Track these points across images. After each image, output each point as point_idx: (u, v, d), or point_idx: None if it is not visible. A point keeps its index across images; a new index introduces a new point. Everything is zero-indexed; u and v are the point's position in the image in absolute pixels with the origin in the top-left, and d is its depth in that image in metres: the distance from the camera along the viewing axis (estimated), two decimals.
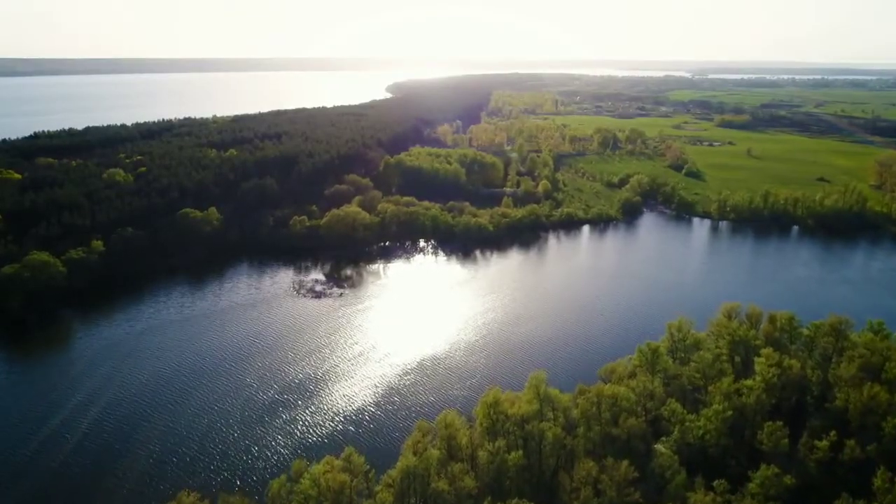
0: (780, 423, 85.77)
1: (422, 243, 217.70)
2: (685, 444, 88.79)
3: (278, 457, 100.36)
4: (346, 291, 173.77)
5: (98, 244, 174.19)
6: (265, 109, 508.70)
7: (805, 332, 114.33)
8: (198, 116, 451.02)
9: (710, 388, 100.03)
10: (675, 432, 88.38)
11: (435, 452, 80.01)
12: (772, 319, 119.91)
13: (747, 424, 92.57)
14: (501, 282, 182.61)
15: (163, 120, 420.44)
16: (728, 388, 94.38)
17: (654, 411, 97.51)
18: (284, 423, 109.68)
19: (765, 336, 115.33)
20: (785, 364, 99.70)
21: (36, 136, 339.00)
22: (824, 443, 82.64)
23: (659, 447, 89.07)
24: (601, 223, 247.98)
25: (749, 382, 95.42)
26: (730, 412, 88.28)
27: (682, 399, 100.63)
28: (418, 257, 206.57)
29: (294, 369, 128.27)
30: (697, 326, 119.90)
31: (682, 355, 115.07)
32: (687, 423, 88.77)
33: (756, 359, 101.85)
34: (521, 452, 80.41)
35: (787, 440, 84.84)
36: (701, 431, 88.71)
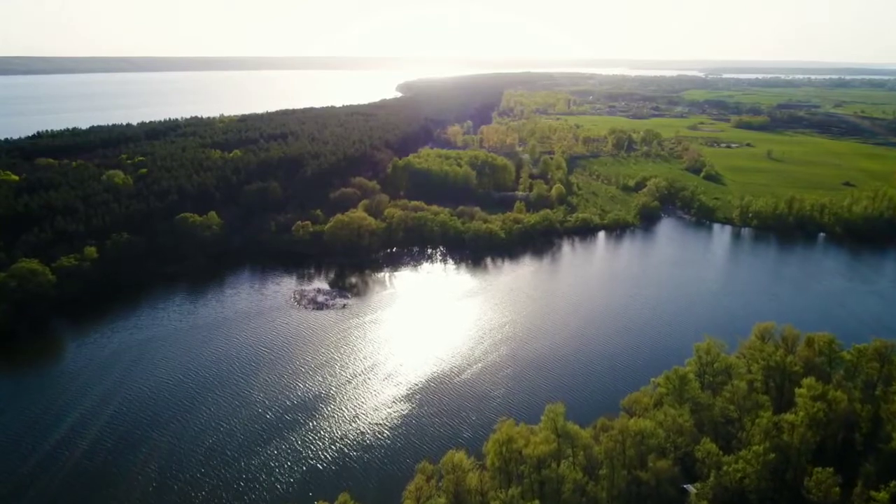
0: (829, 470, 76.07)
1: (430, 250, 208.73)
2: (721, 487, 79.33)
3: (284, 485, 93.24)
4: (350, 302, 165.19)
5: (91, 251, 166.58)
6: (275, 108, 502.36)
7: (846, 356, 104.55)
8: (205, 116, 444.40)
9: (746, 422, 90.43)
10: (711, 477, 78.77)
11: (441, 501, 70.99)
12: (809, 342, 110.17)
13: (790, 466, 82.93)
14: (513, 293, 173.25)
15: (169, 119, 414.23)
16: (767, 425, 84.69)
17: (684, 448, 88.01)
18: (284, 450, 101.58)
19: (802, 361, 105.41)
20: (830, 396, 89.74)
21: (38, 136, 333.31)
22: (883, 494, 72.76)
23: (692, 492, 79.67)
24: (617, 229, 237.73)
25: (790, 417, 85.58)
26: (772, 455, 78.59)
27: (714, 433, 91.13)
28: (426, 265, 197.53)
29: (294, 389, 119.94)
30: (727, 343, 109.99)
31: (711, 379, 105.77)
32: (724, 467, 79.08)
33: (797, 390, 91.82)
34: (537, 503, 71.15)
35: (838, 489, 75.13)
36: (739, 475, 79.15)
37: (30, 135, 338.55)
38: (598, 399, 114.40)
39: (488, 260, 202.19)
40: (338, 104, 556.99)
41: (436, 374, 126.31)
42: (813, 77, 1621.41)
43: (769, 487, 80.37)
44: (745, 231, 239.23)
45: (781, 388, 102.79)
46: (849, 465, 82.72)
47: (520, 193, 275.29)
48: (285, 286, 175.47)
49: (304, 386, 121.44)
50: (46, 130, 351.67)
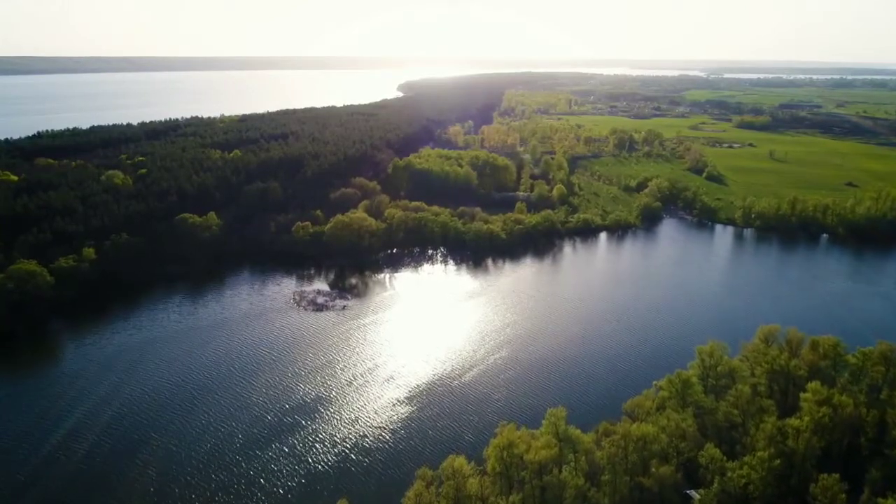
0: (835, 476, 74.79)
1: (431, 251, 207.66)
2: (725, 494, 78.20)
3: (283, 489, 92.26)
4: (351, 303, 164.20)
5: (90, 252, 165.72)
6: (276, 108, 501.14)
7: (851, 359, 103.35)
8: (205, 116, 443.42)
9: (750, 427, 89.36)
10: (715, 483, 77.64)
11: None
12: (814, 345, 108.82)
13: (795, 471, 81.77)
14: (514, 294, 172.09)
15: (169, 119, 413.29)
16: (772, 430, 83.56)
17: (687, 453, 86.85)
18: (284, 453, 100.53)
19: (807, 365, 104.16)
20: (835, 401, 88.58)
21: (38, 136, 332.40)
22: (890, 501, 71.65)
23: (696, 498, 78.55)
24: (619, 230, 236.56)
25: (795, 422, 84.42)
26: (777, 461, 77.47)
27: (717, 438, 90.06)
28: (427, 266, 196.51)
29: (293, 392, 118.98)
30: (729, 346, 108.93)
31: (714, 383, 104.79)
32: (728, 473, 77.93)
33: (802, 395, 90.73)
34: None
35: (844, 495, 73.92)
36: (743, 481, 78.02)
37: (30, 135, 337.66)
38: (600, 402, 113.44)
39: (489, 261, 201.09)
40: (338, 104, 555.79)
41: (436, 377, 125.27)
42: (815, 77, 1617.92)
43: (774, 494, 79.21)
44: (748, 232, 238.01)
45: (786, 392, 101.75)
46: (854, 471, 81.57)
47: (521, 194, 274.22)
48: (285, 287, 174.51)
49: (304, 388, 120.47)
50: (46, 130, 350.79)
